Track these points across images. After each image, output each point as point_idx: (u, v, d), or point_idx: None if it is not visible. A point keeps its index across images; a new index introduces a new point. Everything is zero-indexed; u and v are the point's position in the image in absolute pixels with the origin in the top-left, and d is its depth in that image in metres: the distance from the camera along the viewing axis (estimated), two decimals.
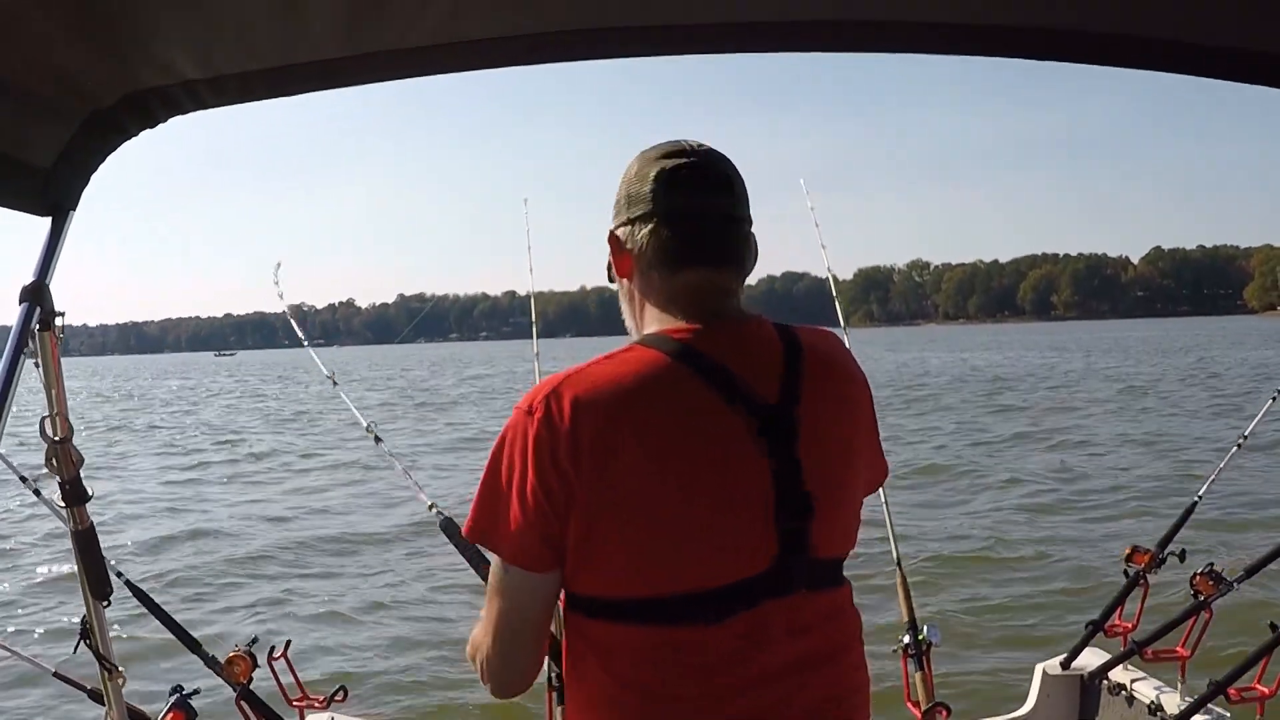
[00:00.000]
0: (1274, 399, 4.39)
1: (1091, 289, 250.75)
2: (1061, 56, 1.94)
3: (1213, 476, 4.32)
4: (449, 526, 3.44)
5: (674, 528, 1.57)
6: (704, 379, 1.61)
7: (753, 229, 1.79)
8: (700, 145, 1.75)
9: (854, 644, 1.76)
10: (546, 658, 1.82)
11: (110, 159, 2.19)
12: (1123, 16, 1.83)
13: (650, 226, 1.71)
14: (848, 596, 1.76)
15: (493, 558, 1.69)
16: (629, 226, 1.75)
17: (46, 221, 2.20)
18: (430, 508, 3.60)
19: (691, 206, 1.71)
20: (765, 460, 1.60)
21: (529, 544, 1.61)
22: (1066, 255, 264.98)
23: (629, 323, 1.84)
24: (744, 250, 1.76)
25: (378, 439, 4.00)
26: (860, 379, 1.80)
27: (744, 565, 1.59)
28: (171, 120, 2.12)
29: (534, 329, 4.37)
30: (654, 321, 1.73)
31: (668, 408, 1.59)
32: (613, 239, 1.79)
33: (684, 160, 1.72)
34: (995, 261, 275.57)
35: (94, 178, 2.21)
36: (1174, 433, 20.32)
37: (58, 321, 2.19)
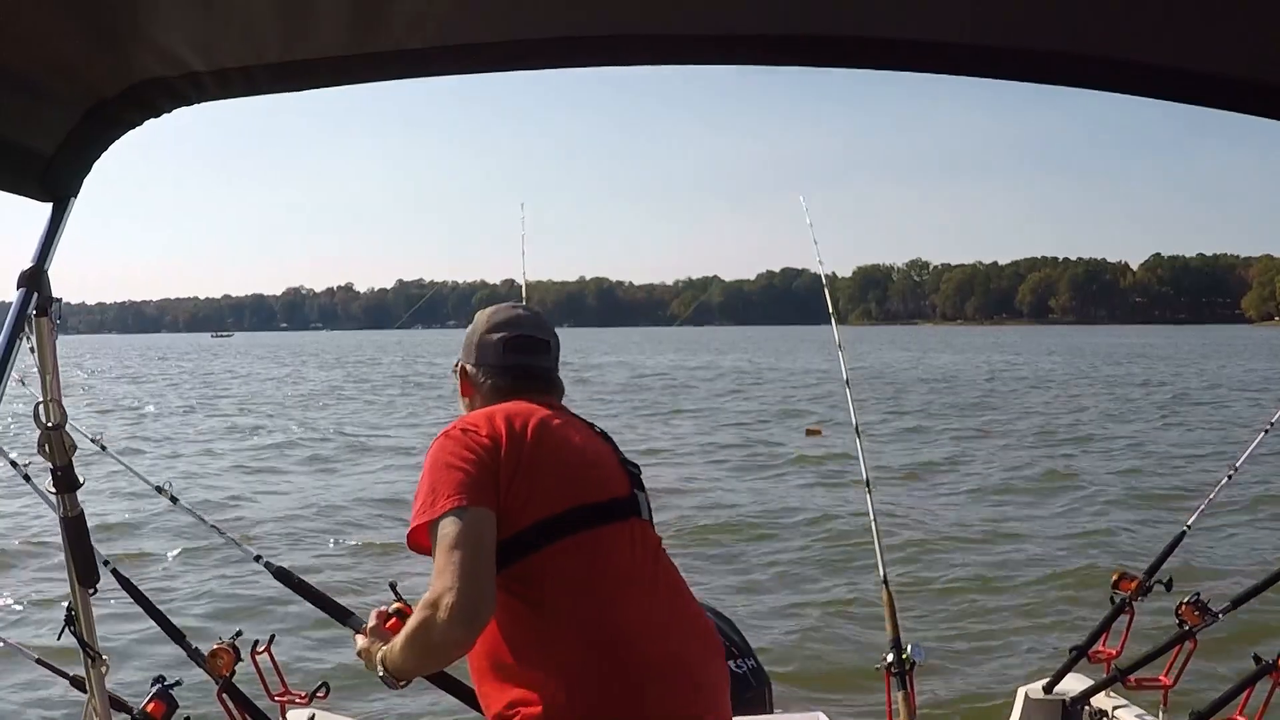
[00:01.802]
0: (1265, 431, 4.38)
1: (1090, 294, 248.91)
2: (1061, 80, 1.95)
3: (1202, 506, 4.33)
4: (282, 575, 3.87)
5: (574, 468, 2.38)
6: (553, 409, 2.51)
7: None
8: (530, 315, 2.64)
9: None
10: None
11: (113, 144, 2.20)
12: (1117, 42, 1.83)
13: (493, 379, 2.55)
14: None
15: (442, 523, 2.19)
16: (476, 369, 2.58)
17: (47, 206, 2.20)
18: (257, 559, 3.97)
19: (521, 366, 2.56)
20: (609, 448, 2.53)
21: (475, 487, 2.23)
22: (1066, 259, 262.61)
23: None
24: (557, 389, 2.62)
25: (174, 499, 4.20)
26: None
27: (617, 488, 2.43)
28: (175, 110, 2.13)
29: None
30: None
31: (549, 419, 2.43)
32: (462, 371, 2.61)
33: (519, 332, 2.57)
34: (994, 263, 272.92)
35: (96, 163, 2.21)
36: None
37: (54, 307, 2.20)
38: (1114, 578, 4.25)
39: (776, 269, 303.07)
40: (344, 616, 3.66)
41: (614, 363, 63.90)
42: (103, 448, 4.29)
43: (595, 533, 2.32)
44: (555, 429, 2.40)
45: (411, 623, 2.22)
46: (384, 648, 2.32)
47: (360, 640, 2.47)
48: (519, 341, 2.55)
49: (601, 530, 2.33)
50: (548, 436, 2.37)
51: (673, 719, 2.24)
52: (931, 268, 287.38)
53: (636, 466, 2.54)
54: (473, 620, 2.14)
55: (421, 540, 2.26)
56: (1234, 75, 1.85)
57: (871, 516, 4.04)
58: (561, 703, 2.16)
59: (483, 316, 2.62)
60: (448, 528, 2.18)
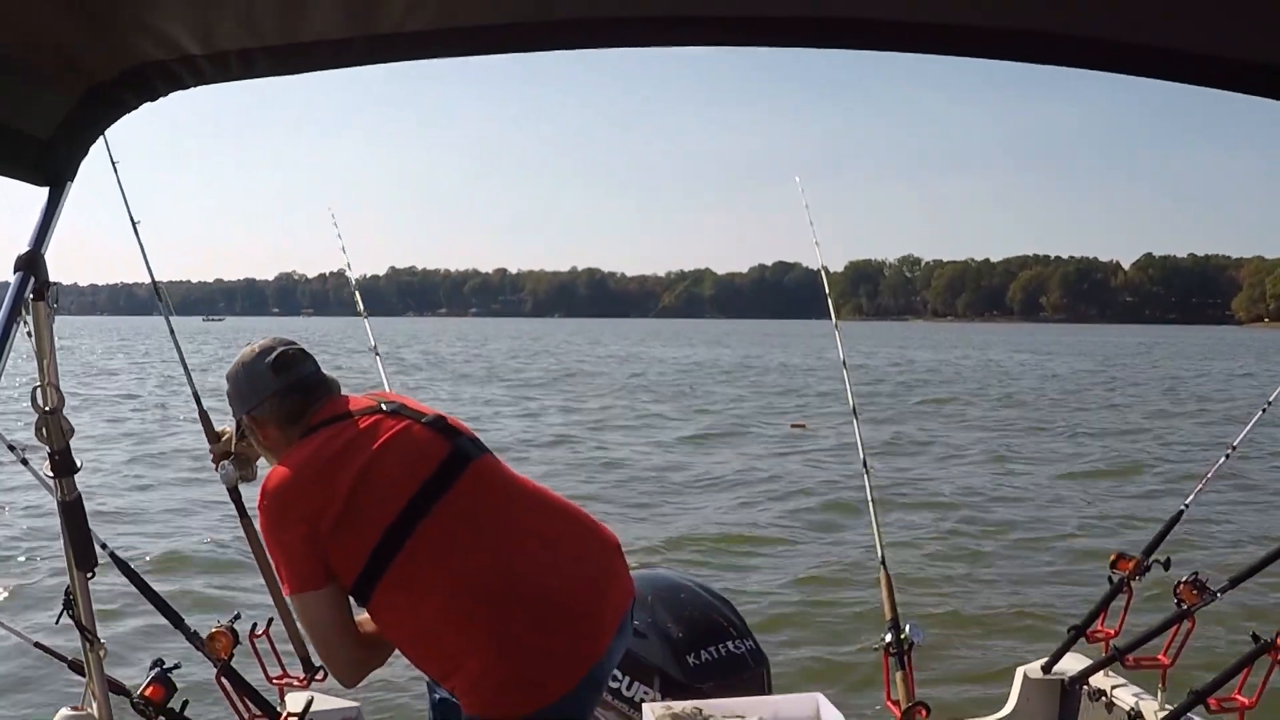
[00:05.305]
0: (1264, 410, 4.37)
1: (1080, 292, 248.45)
2: (1061, 61, 1.94)
3: (1200, 485, 4.31)
4: None
5: (397, 482, 2.45)
6: (343, 417, 2.57)
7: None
8: (268, 339, 2.70)
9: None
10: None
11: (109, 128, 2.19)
12: (1120, 23, 1.83)
13: (281, 401, 2.60)
14: None
15: (291, 600, 2.49)
16: (260, 403, 2.62)
17: (43, 191, 2.20)
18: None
19: (296, 376, 2.63)
20: (408, 420, 2.57)
21: (306, 573, 2.41)
22: (1057, 257, 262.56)
23: (276, 456, 2.64)
24: (335, 385, 2.69)
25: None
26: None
27: (431, 460, 2.49)
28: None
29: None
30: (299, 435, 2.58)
31: (348, 447, 2.48)
32: (250, 421, 2.66)
33: (277, 351, 2.64)
34: (986, 260, 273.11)
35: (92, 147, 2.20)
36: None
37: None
38: (1111, 558, 4.24)
39: (769, 262, 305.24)
40: None
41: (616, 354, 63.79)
42: None
43: (434, 516, 2.42)
44: (360, 454, 2.46)
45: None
46: None
47: None
48: (283, 359, 2.64)
49: (438, 511, 2.43)
50: (357, 470, 2.43)
51: (592, 647, 2.47)
52: (923, 263, 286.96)
53: (440, 417, 2.62)
54: (350, 679, 2.55)
55: None
56: (1236, 56, 1.84)
57: (869, 498, 4.02)
58: (488, 665, 2.37)
59: (236, 365, 2.69)
60: (297, 607, 2.50)
